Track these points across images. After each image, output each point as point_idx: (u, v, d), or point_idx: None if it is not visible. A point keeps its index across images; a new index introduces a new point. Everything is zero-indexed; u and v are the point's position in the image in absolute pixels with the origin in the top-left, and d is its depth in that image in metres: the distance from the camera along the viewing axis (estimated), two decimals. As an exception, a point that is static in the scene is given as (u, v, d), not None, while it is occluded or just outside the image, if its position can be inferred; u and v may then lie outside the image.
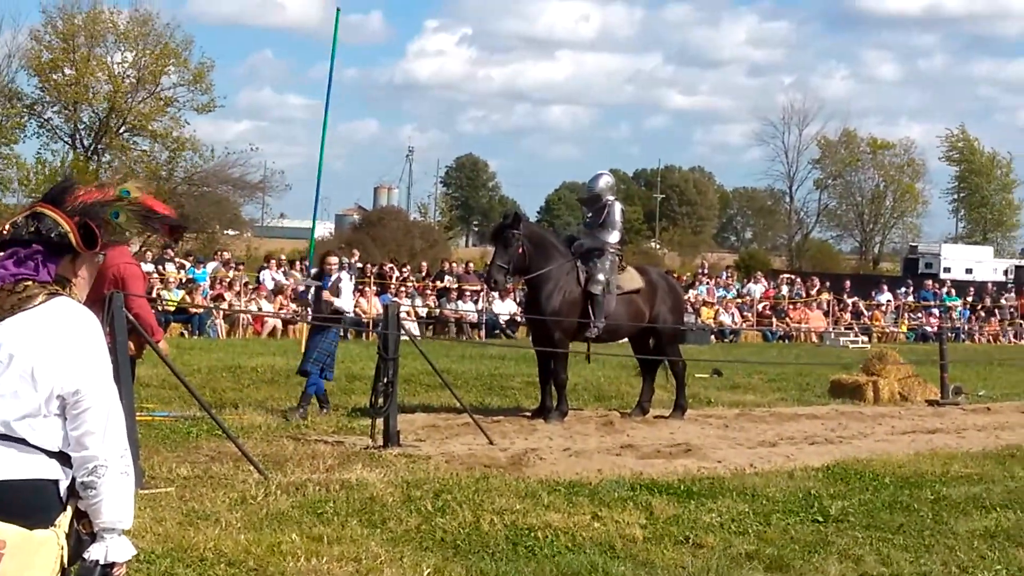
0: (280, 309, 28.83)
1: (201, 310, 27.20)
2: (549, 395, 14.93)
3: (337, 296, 14.82)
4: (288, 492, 9.29)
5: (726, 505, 9.62)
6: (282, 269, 31.39)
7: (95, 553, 3.81)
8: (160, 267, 28.80)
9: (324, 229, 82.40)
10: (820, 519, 9.32)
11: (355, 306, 29.92)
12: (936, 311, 41.21)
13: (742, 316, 36.95)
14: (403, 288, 31.55)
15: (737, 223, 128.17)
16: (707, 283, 38.12)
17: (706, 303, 35.99)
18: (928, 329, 39.17)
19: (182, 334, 26.93)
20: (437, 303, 31.86)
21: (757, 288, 39.39)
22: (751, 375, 21.97)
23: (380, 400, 11.97)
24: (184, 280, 29.27)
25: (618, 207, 15.85)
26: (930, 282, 45.66)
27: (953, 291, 44.48)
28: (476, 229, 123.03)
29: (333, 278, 14.93)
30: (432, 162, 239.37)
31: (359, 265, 33.55)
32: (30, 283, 3.82)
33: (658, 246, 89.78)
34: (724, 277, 40.81)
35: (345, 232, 59.40)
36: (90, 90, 45.31)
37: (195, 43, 48.50)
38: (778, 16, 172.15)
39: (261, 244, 53.80)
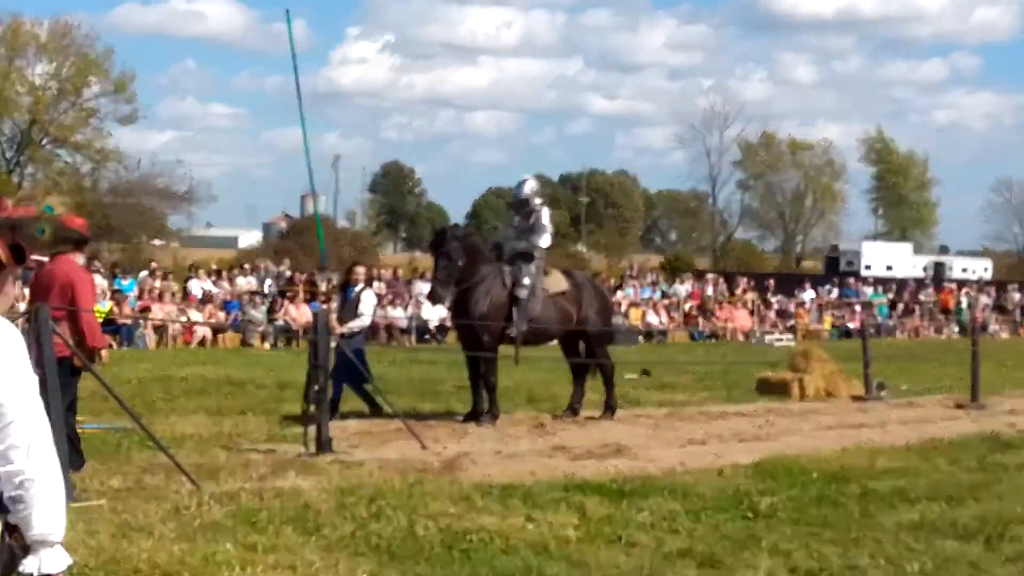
0: (209, 318, 28.66)
1: (129, 320, 26.95)
2: (480, 399, 14.99)
3: (356, 309, 15.27)
4: (221, 502, 9.27)
5: (657, 504, 9.71)
6: (211, 278, 31.20)
7: (29, 566, 3.80)
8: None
9: (252, 238, 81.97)
10: (750, 516, 9.44)
11: (284, 315, 29.91)
12: (859, 308, 41.69)
13: (669, 317, 37.20)
14: (332, 296, 31.41)
15: (662, 225, 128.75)
16: (634, 284, 38.35)
17: (633, 304, 36.20)
18: (851, 326, 39.63)
19: (110, 345, 26.64)
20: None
21: (683, 289, 39.67)
22: (679, 375, 22.14)
23: (312, 407, 11.96)
24: (111, 291, 29.00)
25: (547, 211, 15.94)
26: (852, 280, 46.21)
27: (880, 288, 45.06)
28: (404, 236, 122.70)
29: (357, 288, 15.09)
30: (358, 169, 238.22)
31: (288, 274, 33.44)
32: None
33: (585, 249, 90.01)
34: (650, 278, 41.06)
35: (273, 240, 59.01)
36: (11, 103, 44.70)
37: (116, 53, 47.96)
38: (695, 20, 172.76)
39: (188, 254, 53.37)
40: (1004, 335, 44.05)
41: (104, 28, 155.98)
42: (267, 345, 28.69)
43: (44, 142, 45.47)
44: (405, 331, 31.22)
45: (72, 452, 10.49)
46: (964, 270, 66.32)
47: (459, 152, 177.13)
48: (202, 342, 27.86)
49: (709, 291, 40.17)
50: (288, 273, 33.65)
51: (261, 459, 11.49)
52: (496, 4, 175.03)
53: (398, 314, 31.49)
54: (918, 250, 78.62)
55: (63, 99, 45.07)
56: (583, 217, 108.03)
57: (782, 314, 40.21)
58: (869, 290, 44.49)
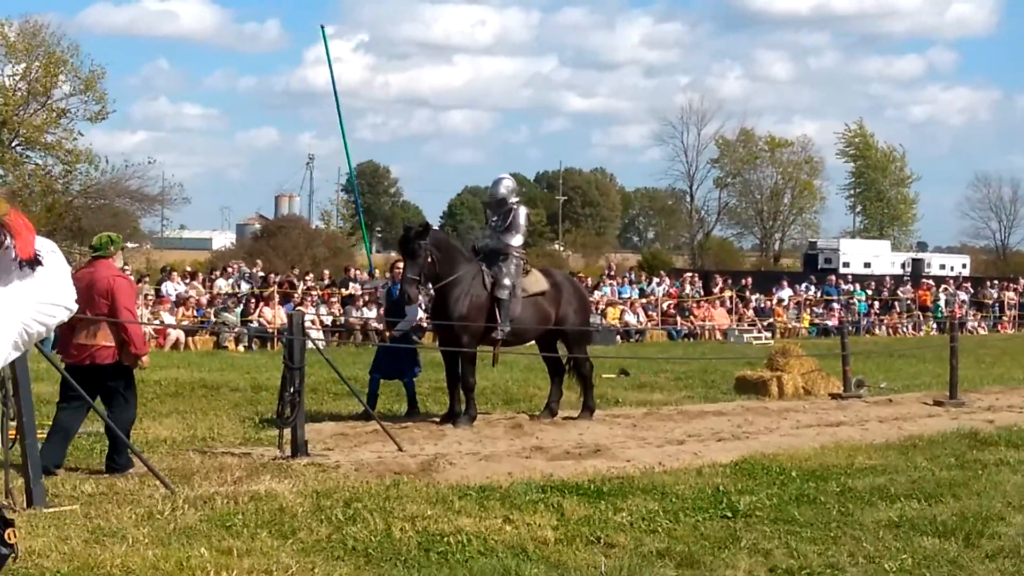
0: (182, 320, 28.53)
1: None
2: (457, 400, 14.93)
3: (403, 308, 15.83)
4: (196, 506, 9.18)
5: (636, 504, 9.67)
6: (185, 280, 31.05)
7: None
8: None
9: (225, 239, 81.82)
10: (729, 515, 9.40)
11: (259, 316, 29.78)
12: (837, 305, 41.77)
13: (647, 315, 37.19)
14: (308, 297, 31.35)
15: (639, 223, 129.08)
16: (611, 284, 38.34)
17: (611, 303, 36.18)
18: (829, 323, 39.71)
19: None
20: (342, 311, 31.67)
21: (661, 287, 39.68)
22: (658, 374, 22.13)
23: (287, 410, 11.87)
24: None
25: (523, 211, 15.87)
26: (832, 277, 46.32)
27: (858, 286, 45.17)
28: (379, 235, 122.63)
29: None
30: (333, 169, 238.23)
31: (261, 275, 33.30)
32: None
33: (562, 248, 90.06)
34: (628, 276, 41.09)
35: (247, 242, 58.82)
36: (-21, 105, 44.37)
37: (81, 49, 47.62)
38: (671, 17, 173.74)
39: (161, 256, 53.17)
40: (982, 331, 44.25)
41: (75, 29, 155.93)
42: (241, 347, 28.56)
43: (15, 144, 45.13)
44: (380, 332, 31.10)
45: (121, 454, 10.87)
46: (942, 266, 66.56)
47: (435, 151, 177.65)
48: (175, 345, 27.72)
49: (687, 289, 40.19)
50: (262, 274, 33.49)
51: (236, 462, 11.40)
52: (471, 2, 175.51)
53: (373, 315, 31.39)
54: (896, 247, 78.93)
55: (33, 100, 44.74)
56: (560, 216, 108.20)
57: (760, 312, 40.26)
58: (848, 287, 44.55)
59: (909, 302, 45.01)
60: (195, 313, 29.39)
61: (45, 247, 3.92)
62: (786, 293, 42.05)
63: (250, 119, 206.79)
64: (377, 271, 30.40)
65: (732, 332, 36.92)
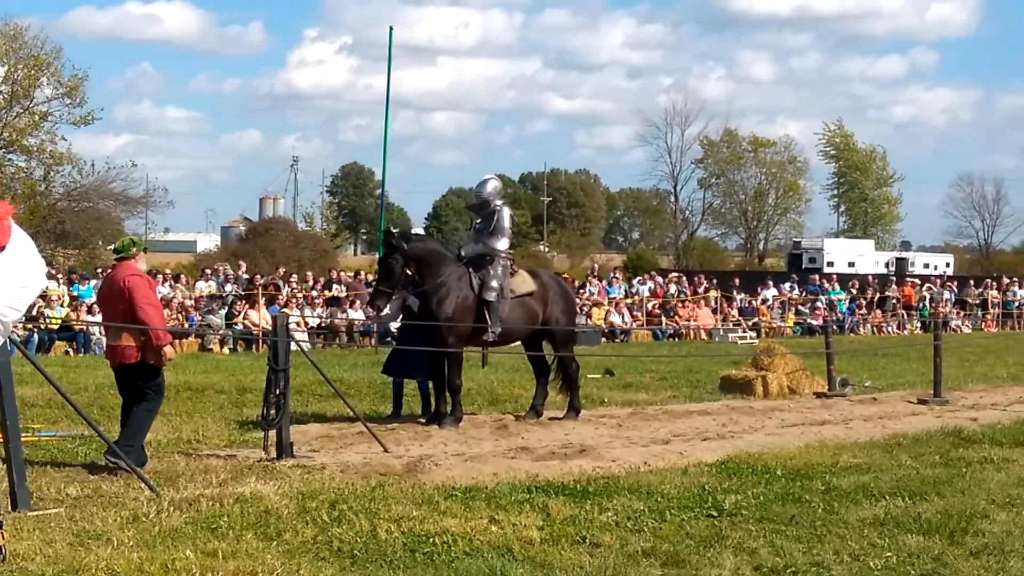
0: (168, 323, 28.42)
1: (86, 327, 26.72)
2: (443, 401, 14.92)
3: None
4: (181, 508, 9.17)
5: (622, 504, 9.68)
6: (167, 282, 30.98)
7: None
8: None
9: (210, 241, 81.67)
10: (714, 514, 9.42)
11: (245, 318, 29.73)
12: (821, 305, 41.84)
13: (632, 315, 37.21)
14: (293, 299, 31.30)
15: (624, 224, 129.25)
16: (597, 284, 38.37)
17: (596, 303, 36.19)
18: (814, 323, 39.77)
19: (67, 352, 26.47)
20: (327, 313, 31.64)
21: (645, 287, 39.70)
22: (643, 374, 22.15)
23: (272, 412, 11.84)
24: (69, 297, 28.78)
25: (507, 212, 15.83)
26: (816, 276, 46.40)
27: (836, 285, 45.27)
28: (364, 237, 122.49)
29: None
30: (317, 171, 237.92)
31: (246, 277, 33.24)
32: None
33: (547, 249, 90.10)
34: (609, 277, 41.13)
35: (232, 244, 58.71)
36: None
37: (64, 52, 47.45)
38: (654, 19, 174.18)
39: (146, 259, 52.95)
40: (966, 330, 44.36)
41: (58, 32, 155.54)
42: (226, 350, 28.50)
43: (-3, 147, 44.99)
44: (366, 333, 31.09)
45: (141, 450, 11.23)
46: (926, 266, 66.73)
47: (419, 153, 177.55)
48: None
49: (672, 289, 40.22)
50: (247, 276, 33.43)
51: (221, 464, 11.38)
52: (453, 4, 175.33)
53: (359, 316, 31.37)
54: (880, 246, 79.09)
55: (15, 103, 44.58)
56: (544, 217, 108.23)
57: (745, 312, 40.31)
58: (831, 287, 44.64)
59: (893, 301, 45.11)
60: (182, 316, 29.28)
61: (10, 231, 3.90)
62: (771, 293, 42.12)
63: (234, 122, 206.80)
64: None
65: (717, 332, 36.95)
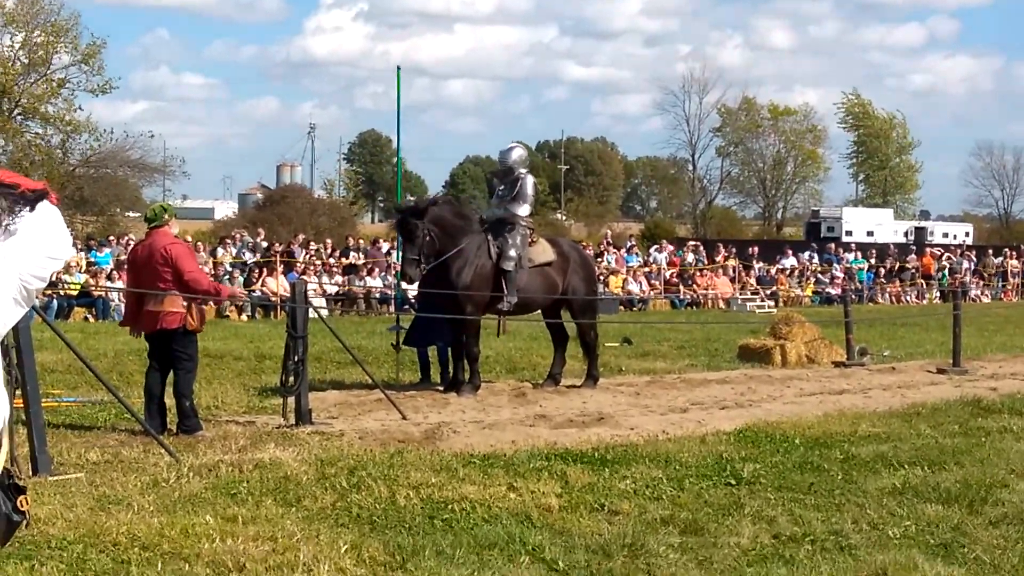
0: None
1: (105, 293, 26.80)
2: (461, 369, 14.91)
3: None
4: (201, 474, 9.20)
5: (640, 472, 9.67)
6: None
7: None
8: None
9: (227, 209, 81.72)
10: (733, 482, 9.41)
11: (263, 286, 29.79)
12: (840, 274, 41.75)
13: (650, 284, 37.18)
14: (311, 266, 31.32)
15: (642, 192, 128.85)
16: (615, 252, 38.33)
17: (614, 272, 36.16)
18: (832, 292, 39.69)
19: (86, 318, 26.55)
20: (345, 280, 31.68)
21: (663, 256, 39.64)
22: (661, 343, 22.12)
23: (291, 379, 11.88)
24: (86, 263, 28.87)
25: (531, 180, 15.78)
26: (833, 245, 46.26)
27: (860, 254, 45.14)
28: (382, 205, 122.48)
29: None
30: (334, 139, 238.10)
31: (264, 244, 33.27)
32: None
33: (564, 217, 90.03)
34: (627, 246, 41.08)
35: (249, 211, 58.72)
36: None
37: (81, 19, 47.40)
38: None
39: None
40: (985, 299, 44.23)
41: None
42: (244, 317, 28.56)
43: (15, 114, 44.98)
44: (384, 300, 31.15)
45: (189, 417, 11.32)
46: (945, 235, 66.52)
47: (436, 121, 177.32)
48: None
49: (690, 258, 40.17)
50: (265, 244, 33.46)
51: (240, 431, 11.42)
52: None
53: (376, 283, 31.41)
54: (899, 215, 78.81)
55: (32, 70, 44.56)
56: (562, 185, 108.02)
57: (763, 281, 40.24)
58: (850, 256, 44.52)
59: (912, 270, 44.98)
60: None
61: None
62: (789, 262, 42.03)
63: (251, 89, 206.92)
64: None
65: (735, 301, 36.90)
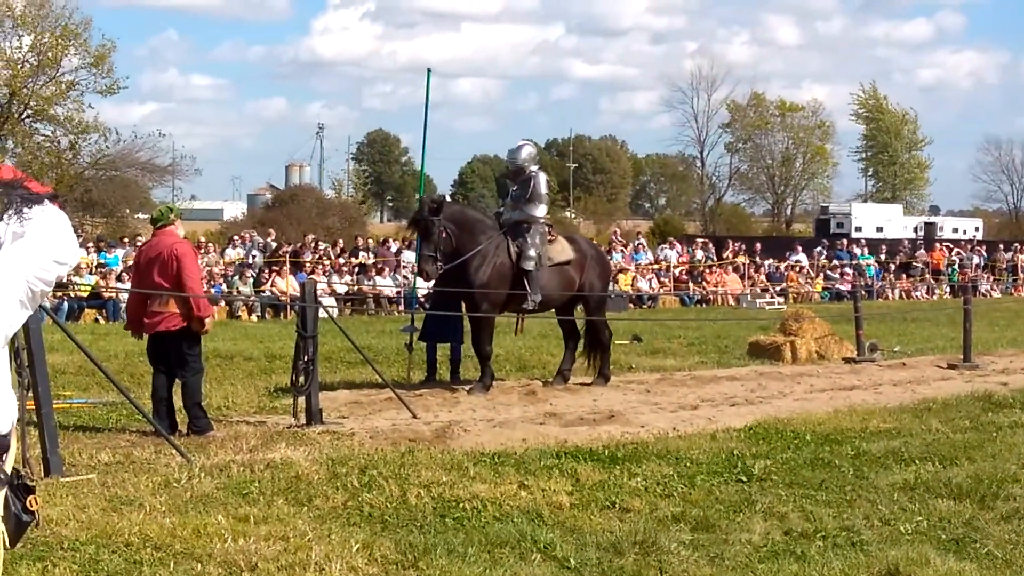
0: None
1: (115, 294, 26.83)
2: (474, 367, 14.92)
3: None
4: (212, 474, 9.21)
5: (651, 469, 9.68)
6: (202, 249, 31.04)
7: None
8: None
9: (236, 209, 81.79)
10: (743, 479, 9.41)
11: (272, 286, 29.82)
12: (850, 270, 41.68)
13: (659, 281, 37.15)
14: (320, 266, 31.34)
15: (651, 189, 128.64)
16: (623, 250, 38.31)
17: (622, 269, 36.15)
18: (842, 288, 39.63)
19: (97, 320, 26.60)
20: (355, 279, 31.70)
21: (672, 253, 39.59)
22: (671, 340, 22.11)
23: (301, 378, 11.89)
24: (96, 265, 28.92)
25: (543, 178, 15.70)
26: (843, 241, 46.18)
27: (865, 250, 45.06)
28: (391, 204, 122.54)
29: None
30: (342, 139, 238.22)
31: (274, 244, 33.31)
32: None
33: (573, 215, 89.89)
34: (634, 244, 41.02)
35: (258, 212, 58.75)
36: (-12, 76, 44.21)
37: (93, 24, 47.44)
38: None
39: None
40: (996, 294, 44.13)
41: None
42: (254, 317, 28.59)
43: (24, 116, 44.99)
44: (394, 300, 31.17)
45: (200, 417, 11.35)
46: (955, 230, 66.34)
47: (444, 120, 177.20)
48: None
49: (699, 255, 40.13)
50: (275, 244, 33.49)
51: (251, 431, 11.44)
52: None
53: (387, 283, 31.42)
54: (908, 211, 78.61)
55: (41, 72, 44.57)
56: (571, 183, 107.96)
57: (772, 277, 40.19)
58: (860, 252, 44.43)
59: (922, 266, 44.90)
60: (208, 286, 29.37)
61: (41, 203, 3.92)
62: (799, 258, 41.97)
63: (259, 89, 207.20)
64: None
65: (745, 297, 36.85)
